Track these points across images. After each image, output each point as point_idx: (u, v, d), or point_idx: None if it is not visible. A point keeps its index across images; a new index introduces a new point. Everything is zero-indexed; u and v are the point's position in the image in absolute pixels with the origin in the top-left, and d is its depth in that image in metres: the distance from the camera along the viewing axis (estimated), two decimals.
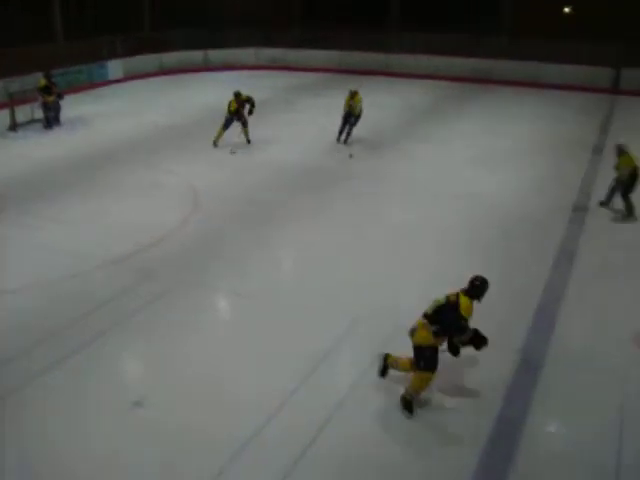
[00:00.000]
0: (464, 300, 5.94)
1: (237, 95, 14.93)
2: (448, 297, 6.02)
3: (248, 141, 15.33)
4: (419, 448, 5.90)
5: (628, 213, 11.37)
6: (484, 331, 6.14)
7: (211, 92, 21.71)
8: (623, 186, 11.32)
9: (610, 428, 6.12)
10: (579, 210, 11.69)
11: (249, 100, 14.88)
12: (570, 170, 13.94)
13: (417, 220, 11.02)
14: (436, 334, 6.01)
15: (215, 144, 15.09)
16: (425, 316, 6.09)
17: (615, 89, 23.41)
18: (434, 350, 6.06)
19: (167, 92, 22.45)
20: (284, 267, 9.85)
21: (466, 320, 5.93)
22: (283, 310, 8.17)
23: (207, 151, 14.84)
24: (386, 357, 6.57)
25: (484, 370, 6.86)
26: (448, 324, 5.98)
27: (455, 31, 24.93)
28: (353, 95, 15.26)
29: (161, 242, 9.95)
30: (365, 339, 7.50)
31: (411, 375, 6.24)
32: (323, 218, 11.15)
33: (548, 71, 24.09)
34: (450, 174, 13.40)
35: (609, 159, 14.78)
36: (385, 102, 20.39)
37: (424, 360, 6.06)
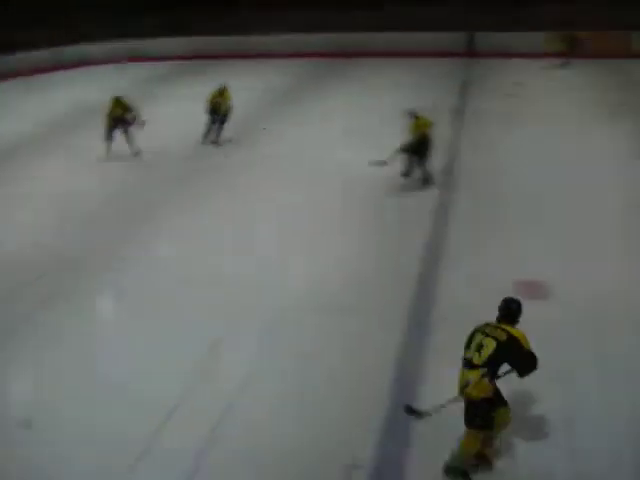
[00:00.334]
0: (517, 332, 5.17)
1: (118, 100, 13.63)
2: (495, 337, 5.13)
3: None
4: (314, 434, 5.95)
5: (425, 181, 11.41)
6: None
7: (67, 94, 20.79)
8: (413, 153, 11.16)
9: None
10: (447, 173, 12.11)
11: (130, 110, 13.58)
12: (435, 134, 14.39)
13: (298, 203, 11.05)
14: (493, 379, 5.16)
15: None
16: (474, 366, 5.14)
17: (471, 52, 24.37)
18: (489, 402, 5.21)
19: (19, 98, 21.20)
20: (168, 260, 9.62)
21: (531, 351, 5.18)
22: (174, 303, 8.06)
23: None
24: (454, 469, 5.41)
25: (370, 350, 7.04)
26: (517, 364, 5.14)
27: (310, 7, 25.20)
28: (222, 92, 14.34)
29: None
30: (254, 324, 7.51)
31: (462, 440, 5.36)
32: (203, 211, 11.00)
33: (407, 40, 24.77)
34: (323, 153, 13.48)
35: (470, 121, 15.48)
36: (246, 85, 20.21)
37: (481, 416, 5.20)
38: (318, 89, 20.08)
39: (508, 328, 5.19)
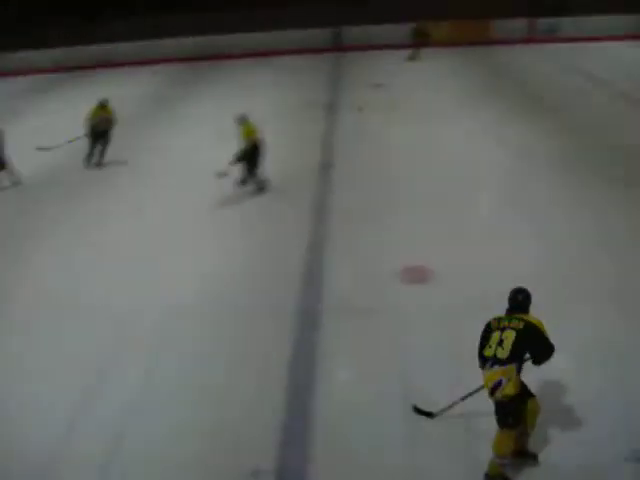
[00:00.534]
0: (533, 319, 5.10)
1: (103, 105, 13.05)
2: (513, 328, 5.04)
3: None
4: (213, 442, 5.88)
5: (259, 187, 11.27)
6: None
7: None
8: (246, 160, 10.92)
9: (394, 368, 6.56)
10: (325, 167, 12.29)
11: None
12: (310, 130, 14.61)
13: (175, 208, 10.86)
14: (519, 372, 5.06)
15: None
16: (499, 361, 5.01)
17: (339, 47, 24.83)
18: (519, 397, 5.07)
19: None
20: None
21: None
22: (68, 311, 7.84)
23: None
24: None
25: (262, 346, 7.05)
26: (536, 351, 5.07)
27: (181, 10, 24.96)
28: (103, 106, 13.16)
29: None
30: (142, 328, 7.42)
31: (494, 440, 5.17)
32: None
33: (277, 39, 24.93)
34: (197, 157, 13.25)
35: (343, 115, 15.77)
36: (115, 95, 19.54)
37: (513, 415, 5.05)
38: (191, 94, 19.81)
39: (523, 316, 5.13)
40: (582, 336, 6.68)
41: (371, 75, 19.93)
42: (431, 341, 6.82)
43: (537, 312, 5.18)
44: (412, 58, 21.96)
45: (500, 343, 5.04)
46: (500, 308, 5.22)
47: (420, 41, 22.23)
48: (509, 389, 4.97)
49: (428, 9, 24.13)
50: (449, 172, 11.59)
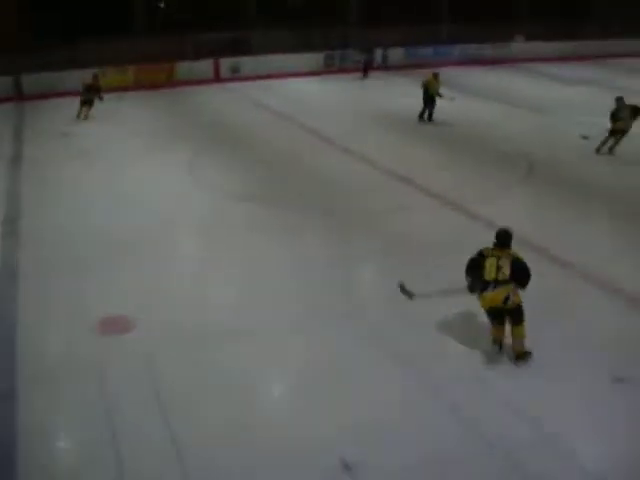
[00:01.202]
0: (516, 253, 7.06)
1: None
2: (507, 258, 6.96)
3: None
4: None
5: None
6: None
7: None
8: None
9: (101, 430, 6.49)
10: (10, 222, 11.71)
11: None
12: None
13: None
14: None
15: None
16: (500, 283, 6.90)
17: (20, 96, 23.71)
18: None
19: None
20: None
21: None
22: None
23: None
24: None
25: None
26: (524, 276, 6.95)
27: None
28: None
29: None
30: None
31: (514, 333, 7.16)
32: None
33: None
34: None
35: (29, 167, 15.13)
36: None
37: (521, 314, 7.07)
38: None
39: (510, 251, 7.05)
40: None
41: (58, 124, 19.37)
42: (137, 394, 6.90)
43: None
44: (85, 118, 19.57)
45: (499, 270, 6.93)
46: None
47: (89, 97, 19.67)
48: (517, 299, 7.01)
49: (112, 55, 24.39)
50: (149, 216, 11.75)
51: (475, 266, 7.18)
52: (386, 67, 28.87)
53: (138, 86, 24.53)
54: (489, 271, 7.01)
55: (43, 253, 10.33)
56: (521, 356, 7.21)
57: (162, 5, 29.29)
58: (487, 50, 31.61)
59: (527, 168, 14.47)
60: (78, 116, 19.44)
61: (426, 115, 18.87)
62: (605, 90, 24.10)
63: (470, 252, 7.35)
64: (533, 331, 7.26)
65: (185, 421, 6.34)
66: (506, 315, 7.17)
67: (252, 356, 7.38)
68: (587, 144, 15.29)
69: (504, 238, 7.16)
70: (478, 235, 8.59)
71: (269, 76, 26.51)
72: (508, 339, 7.34)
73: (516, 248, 7.26)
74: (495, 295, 6.99)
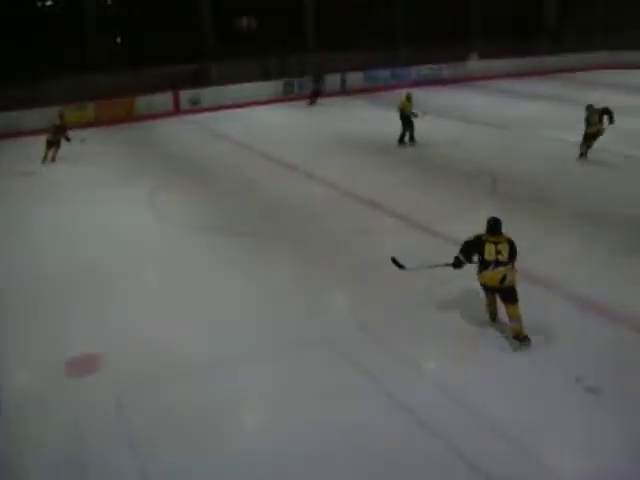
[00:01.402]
0: (508, 237, 7.86)
1: None
2: (504, 242, 7.75)
3: None
4: None
5: None
6: None
7: None
8: None
9: None
10: None
11: None
12: None
13: None
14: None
15: None
16: (501, 263, 7.67)
17: None
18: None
19: None
20: None
21: None
22: None
23: None
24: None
25: None
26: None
27: None
28: None
29: None
30: None
31: (510, 313, 7.76)
32: None
33: None
34: None
35: None
36: None
37: (516, 293, 7.73)
38: None
39: (505, 237, 7.84)
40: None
41: (20, 163, 19.17)
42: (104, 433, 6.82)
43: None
44: (52, 160, 18.86)
45: (499, 252, 7.67)
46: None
47: (57, 138, 18.89)
48: (513, 278, 7.75)
49: (71, 92, 24.35)
50: (111, 251, 11.66)
51: (470, 249, 7.98)
52: (345, 91, 29.23)
53: (99, 122, 24.45)
54: (489, 253, 7.76)
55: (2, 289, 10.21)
56: (520, 337, 7.71)
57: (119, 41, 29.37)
58: (443, 70, 32.23)
59: (491, 184, 14.64)
60: (45, 159, 18.63)
61: (407, 138, 18.83)
62: (561, 104, 24.83)
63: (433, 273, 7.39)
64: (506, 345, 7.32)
65: (153, 458, 6.26)
66: (498, 294, 7.95)
67: (219, 392, 7.30)
68: (550, 158, 15.61)
69: (496, 225, 7.89)
70: (444, 254, 8.66)
71: (229, 106, 26.69)
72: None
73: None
74: (494, 274, 7.73)
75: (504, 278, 7.71)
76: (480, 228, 8.00)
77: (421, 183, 15.19)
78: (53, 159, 18.78)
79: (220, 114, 25.82)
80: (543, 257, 10.28)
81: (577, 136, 16.49)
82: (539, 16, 39.28)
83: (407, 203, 13.51)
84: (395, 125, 19.18)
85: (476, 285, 8.13)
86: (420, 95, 27.29)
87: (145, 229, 12.91)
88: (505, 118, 22.37)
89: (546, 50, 35.53)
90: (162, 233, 12.72)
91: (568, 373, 7.21)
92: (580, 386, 6.97)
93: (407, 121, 18.66)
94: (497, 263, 7.71)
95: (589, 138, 16.03)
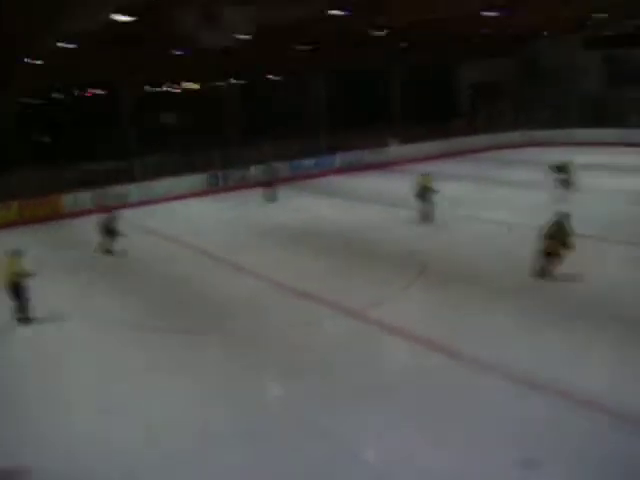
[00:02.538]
0: None
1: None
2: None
3: None
4: None
5: None
6: None
7: None
8: None
9: None
10: None
11: None
12: None
13: None
14: None
15: None
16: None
17: None
18: None
19: None
20: None
21: None
22: None
23: None
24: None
25: None
26: None
27: None
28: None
29: None
30: None
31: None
32: None
33: None
34: None
35: None
36: None
37: None
38: None
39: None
40: None
41: None
42: None
43: None
44: None
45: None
46: None
47: None
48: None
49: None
50: (38, 358, 11.61)
51: None
52: (271, 182, 30.05)
53: (24, 221, 24.37)
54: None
55: None
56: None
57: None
58: (365, 156, 33.67)
59: (419, 267, 15.29)
60: None
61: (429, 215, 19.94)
62: (480, 182, 26.32)
63: (371, 361, 7.73)
64: (438, 423, 7.91)
65: None
66: None
67: None
68: (478, 237, 16.59)
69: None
70: (377, 340, 9.04)
71: (154, 201, 26.96)
72: None
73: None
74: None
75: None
76: (411, 313, 8.33)
77: (350, 269, 15.70)
78: None
79: (146, 209, 26.00)
80: (479, 336, 11.02)
81: (498, 214, 17.83)
82: (455, 101, 42.00)
83: (337, 291, 13.91)
84: (318, 212, 20.40)
85: None
86: (343, 181, 28.59)
87: (71, 329, 12.87)
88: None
89: (462, 132, 37.80)
90: (90, 334, 12.62)
91: None
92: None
93: (426, 198, 19.81)
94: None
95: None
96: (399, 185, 27.50)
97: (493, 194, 24.01)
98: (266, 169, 27.22)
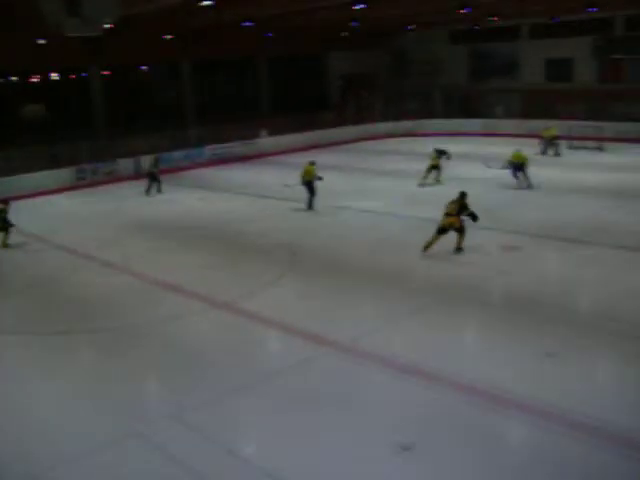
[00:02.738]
0: (461, 202, 15.08)
1: None
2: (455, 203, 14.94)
3: None
4: None
5: None
6: None
7: None
8: None
9: None
10: None
11: None
12: None
13: None
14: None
15: None
16: (450, 215, 14.82)
17: None
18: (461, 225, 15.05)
19: None
20: None
21: None
22: None
23: None
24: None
25: None
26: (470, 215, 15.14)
27: None
28: None
29: None
30: None
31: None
32: None
33: None
34: None
35: None
36: None
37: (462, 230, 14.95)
38: None
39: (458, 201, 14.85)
40: None
41: None
42: None
43: None
44: None
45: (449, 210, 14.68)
46: None
47: None
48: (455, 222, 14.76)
49: None
50: None
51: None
52: (140, 175, 29.21)
53: None
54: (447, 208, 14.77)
55: None
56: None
57: None
58: (235, 148, 33.37)
59: (289, 258, 15.44)
60: None
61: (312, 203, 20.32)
62: (348, 172, 26.79)
63: (246, 353, 7.68)
64: (314, 414, 7.84)
65: None
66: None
67: None
68: (342, 226, 16.83)
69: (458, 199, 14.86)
70: (253, 334, 9.01)
71: (19, 197, 25.43)
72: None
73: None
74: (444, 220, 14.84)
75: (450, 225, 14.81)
76: (283, 303, 8.40)
77: (221, 261, 15.64)
78: None
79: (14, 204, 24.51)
80: (350, 321, 11.23)
81: (365, 203, 18.38)
82: (325, 93, 42.32)
83: (210, 283, 13.87)
84: (189, 205, 19.80)
85: None
86: (214, 173, 28.29)
87: None
88: (298, 190, 23.67)
89: (332, 124, 38.16)
90: None
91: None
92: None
93: (311, 187, 20.11)
94: (448, 214, 14.80)
95: (428, 169, 21.84)
96: (270, 176, 27.62)
97: (363, 184, 24.41)
98: (151, 161, 26.43)
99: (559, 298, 12.12)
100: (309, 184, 20.19)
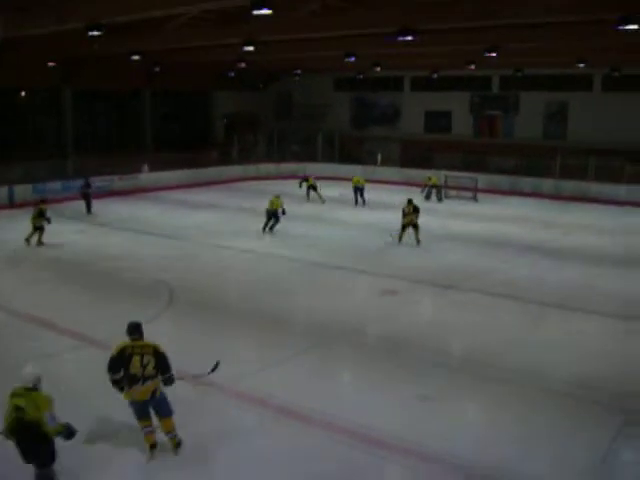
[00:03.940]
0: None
1: None
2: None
3: None
4: None
5: None
6: None
7: None
8: None
9: None
10: None
11: None
12: None
13: None
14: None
15: None
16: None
17: None
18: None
19: None
20: None
21: None
22: None
23: None
24: None
25: None
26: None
27: None
28: None
29: None
30: None
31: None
32: None
33: None
34: None
35: None
36: None
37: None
38: None
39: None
40: None
41: None
42: None
43: None
44: None
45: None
46: None
47: None
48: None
49: None
50: None
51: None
52: (12, 205, 28.17)
53: None
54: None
55: None
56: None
57: None
58: (115, 182, 32.81)
59: (168, 295, 15.25)
60: None
61: (268, 228, 22.51)
62: (229, 212, 26.99)
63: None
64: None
65: None
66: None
67: None
68: (219, 265, 16.90)
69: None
70: None
71: None
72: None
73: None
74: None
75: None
76: (161, 339, 8.52)
77: (94, 299, 15.18)
78: None
79: None
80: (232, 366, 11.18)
81: (245, 243, 18.75)
82: (210, 130, 42.49)
83: (84, 321, 13.46)
84: (64, 238, 19.81)
85: None
86: (94, 206, 27.57)
87: None
88: (177, 227, 23.73)
89: (215, 162, 38.33)
90: None
91: None
92: None
93: (275, 216, 22.23)
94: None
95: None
96: (150, 212, 27.32)
97: (244, 224, 24.56)
98: (83, 184, 26.67)
99: (432, 342, 12.67)
100: (274, 214, 22.20)
